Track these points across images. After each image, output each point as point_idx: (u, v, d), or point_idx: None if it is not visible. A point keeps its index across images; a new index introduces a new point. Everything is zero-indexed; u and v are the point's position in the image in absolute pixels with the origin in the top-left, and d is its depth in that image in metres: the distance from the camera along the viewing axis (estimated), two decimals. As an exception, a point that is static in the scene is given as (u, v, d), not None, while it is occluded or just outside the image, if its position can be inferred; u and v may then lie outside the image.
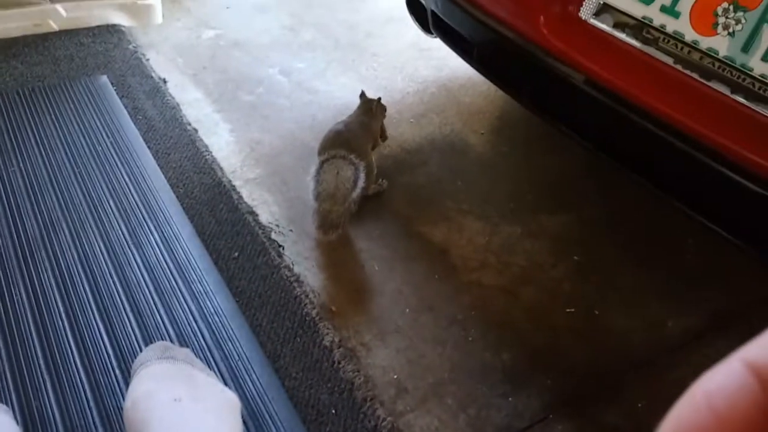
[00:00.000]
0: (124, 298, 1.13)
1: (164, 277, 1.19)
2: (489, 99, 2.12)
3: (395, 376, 1.17)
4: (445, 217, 1.57)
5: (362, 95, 1.64)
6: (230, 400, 0.94)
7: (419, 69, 2.22)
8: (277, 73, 2.04)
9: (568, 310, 1.36)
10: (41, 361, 1.02)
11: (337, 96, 1.99)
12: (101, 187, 1.36)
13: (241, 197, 1.48)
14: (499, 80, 1.34)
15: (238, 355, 1.07)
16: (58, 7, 1.89)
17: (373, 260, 1.42)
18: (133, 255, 1.22)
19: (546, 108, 1.22)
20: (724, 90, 0.92)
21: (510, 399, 1.17)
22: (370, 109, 1.60)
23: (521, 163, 1.83)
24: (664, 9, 0.97)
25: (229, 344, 1.08)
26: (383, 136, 1.72)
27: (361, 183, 1.37)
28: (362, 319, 1.27)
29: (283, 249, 1.39)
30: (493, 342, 1.27)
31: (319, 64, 2.14)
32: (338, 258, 1.41)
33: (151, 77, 1.74)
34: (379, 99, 1.63)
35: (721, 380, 0.16)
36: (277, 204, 1.54)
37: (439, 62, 2.26)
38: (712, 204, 1.00)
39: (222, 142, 1.68)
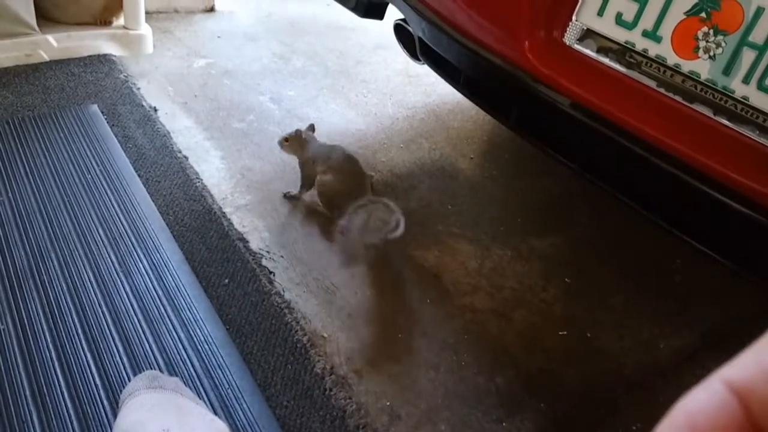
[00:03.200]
0: (112, 327, 1.12)
1: (153, 305, 1.17)
2: (477, 124, 2.14)
3: (388, 403, 1.16)
4: (436, 241, 1.57)
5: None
6: (220, 429, 0.93)
7: (408, 95, 2.25)
8: (268, 100, 2.05)
9: (560, 333, 1.36)
10: (27, 392, 1.00)
11: (328, 122, 2.00)
12: (91, 215, 1.35)
13: (231, 224, 1.47)
14: (486, 105, 1.36)
15: (228, 384, 1.06)
16: (50, 37, 1.90)
17: (365, 285, 1.42)
18: (122, 283, 1.21)
19: (533, 132, 1.24)
20: (707, 112, 0.94)
21: (504, 424, 1.16)
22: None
23: (510, 186, 1.84)
24: (645, 34, 0.99)
25: (219, 372, 1.07)
26: None
27: (399, 231, 1.39)
28: (354, 345, 1.26)
29: (274, 275, 1.38)
30: (486, 366, 1.27)
31: (309, 91, 2.16)
32: (330, 284, 1.40)
33: (142, 106, 1.75)
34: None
35: (702, 400, 0.16)
36: (267, 230, 1.53)
37: (427, 88, 2.30)
38: (697, 223, 1.01)
39: (213, 170, 1.69)
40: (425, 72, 2.06)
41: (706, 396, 0.16)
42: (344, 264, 1.40)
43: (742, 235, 0.95)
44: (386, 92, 2.25)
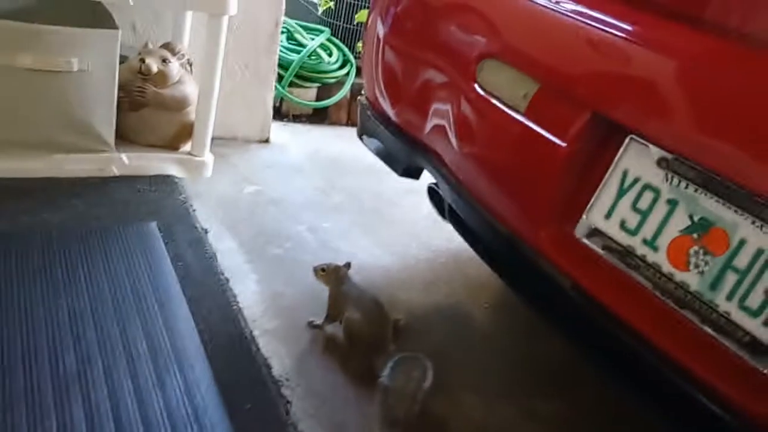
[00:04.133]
0: (143, 440, 1.22)
1: (182, 423, 1.28)
2: (494, 275, 2.29)
3: None
4: (444, 388, 1.66)
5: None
6: None
7: (432, 239, 2.43)
8: (306, 230, 2.25)
9: (555, 499, 1.42)
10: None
11: (357, 257, 2.17)
12: (137, 327, 1.50)
13: (258, 349, 1.60)
14: (499, 271, 1.52)
15: None
16: (123, 155, 2.15)
17: (374, 426, 1.50)
18: (156, 397, 1.32)
19: (541, 306, 1.38)
20: (695, 319, 1.07)
21: None
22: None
23: (521, 341, 1.95)
24: (645, 242, 1.15)
25: (233, 498, 1.15)
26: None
27: (429, 379, 1.49)
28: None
29: (291, 405, 1.48)
30: None
31: (343, 225, 2.35)
32: (340, 420, 1.49)
33: (195, 227, 1.95)
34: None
35: None
36: (289, 357, 1.65)
37: (450, 235, 2.45)
38: (683, 419, 1.11)
39: (248, 292, 1.84)
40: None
41: None
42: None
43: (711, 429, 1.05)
44: (413, 234, 2.43)
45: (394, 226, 2.46)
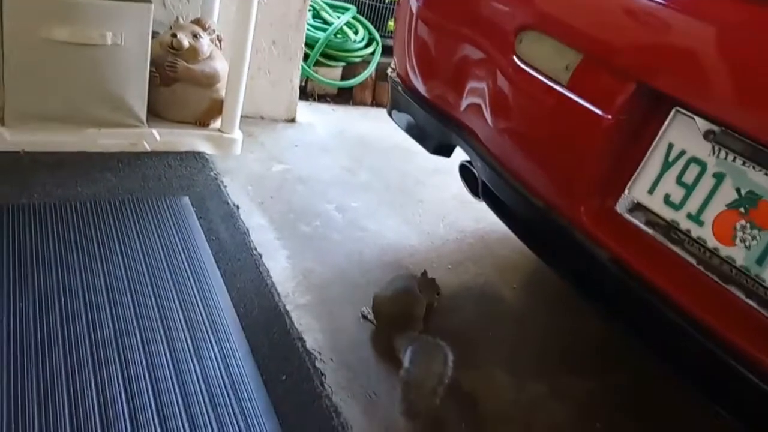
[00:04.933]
0: (182, 407, 1.24)
1: (219, 391, 1.30)
2: (524, 254, 2.27)
3: None
4: (475, 365, 1.67)
5: (424, 273, 1.80)
6: None
7: (460, 219, 2.42)
8: (334, 209, 2.25)
9: (587, 476, 1.41)
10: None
11: (385, 236, 2.17)
12: (173, 298, 1.51)
13: (292, 322, 1.61)
14: (538, 251, 1.50)
15: (278, 478, 1.15)
16: (154, 131, 2.16)
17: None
18: (194, 366, 1.34)
19: (580, 282, 1.37)
20: (740, 294, 1.05)
21: None
22: (427, 284, 1.77)
23: (551, 321, 1.94)
24: (690, 216, 1.13)
25: (272, 465, 1.17)
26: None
27: (449, 371, 1.46)
28: (392, 457, 1.34)
29: (325, 378, 1.49)
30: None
31: (371, 204, 2.35)
32: (372, 392, 1.50)
33: (227, 203, 1.96)
34: (434, 279, 1.81)
35: None
36: (321, 332, 1.66)
37: (478, 214, 2.46)
38: (726, 394, 1.10)
39: (279, 268, 1.85)
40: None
41: None
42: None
43: (761, 410, 1.04)
44: (440, 214, 2.42)
45: (421, 205, 2.45)
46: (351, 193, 2.38)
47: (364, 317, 1.72)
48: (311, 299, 1.77)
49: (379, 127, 3.03)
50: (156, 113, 2.22)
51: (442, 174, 2.71)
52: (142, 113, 2.14)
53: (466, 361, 1.67)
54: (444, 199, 2.54)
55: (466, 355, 1.69)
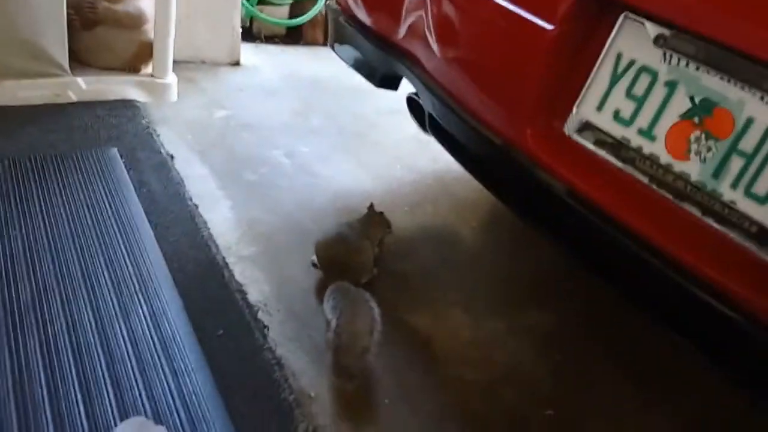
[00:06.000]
0: (105, 371, 1.14)
1: (148, 351, 1.20)
2: (482, 193, 2.19)
3: (368, 469, 1.16)
4: (431, 307, 1.59)
5: (370, 207, 1.69)
6: (199, 484, 0.94)
7: (417, 160, 2.31)
8: (282, 155, 2.12)
9: (547, 412, 1.36)
10: (14, 426, 1.02)
11: (338, 181, 2.06)
12: (98, 257, 1.40)
13: (232, 275, 1.51)
14: (487, 183, 1.41)
15: (212, 438, 1.07)
16: (79, 80, 1.99)
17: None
18: (120, 327, 1.24)
19: (530, 214, 1.28)
20: (695, 212, 0.97)
21: (482, 502, 1.16)
22: (375, 221, 1.66)
23: (509, 258, 1.87)
24: (641, 132, 1.04)
25: (204, 425, 1.08)
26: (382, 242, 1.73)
27: (378, 327, 1.35)
28: (339, 407, 1.27)
29: (268, 330, 1.40)
30: (469, 441, 1.27)
31: (323, 149, 2.23)
32: (322, 341, 1.42)
33: (160, 152, 1.82)
34: (382, 213, 1.69)
35: None
36: (268, 283, 1.57)
37: (435, 154, 2.36)
38: (679, 316, 1.03)
39: (221, 219, 1.73)
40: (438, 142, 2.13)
41: None
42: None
43: (722, 333, 0.97)
44: (396, 156, 2.32)
45: (376, 148, 2.33)
46: (301, 138, 2.25)
47: (315, 265, 1.63)
48: (256, 250, 1.67)
49: (331, 68, 2.87)
50: (80, 60, 2.05)
51: (398, 115, 2.57)
52: (64, 61, 1.97)
53: (423, 303, 1.60)
54: (400, 140, 2.42)
55: (422, 298, 1.62)
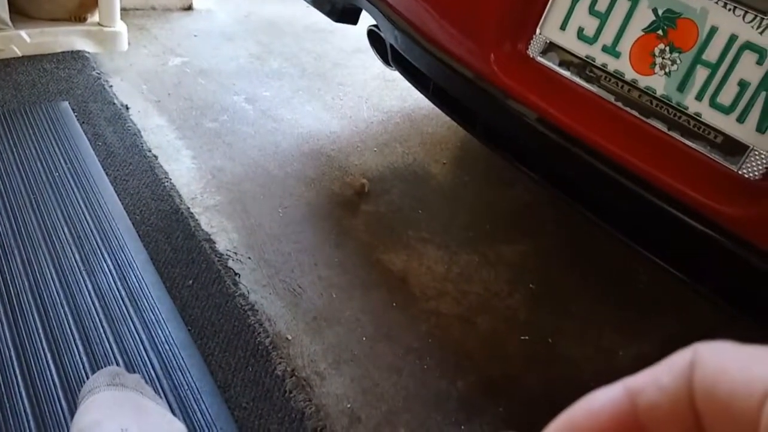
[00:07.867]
0: (73, 327, 1.12)
1: (116, 305, 1.17)
2: (451, 129, 2.16)
3: (348, 405, 1.17)
4: (405, 245, 1.59)
5: None
6: (179, 430, 0.93)
7: (384, 99, 2.26)
8: (243, 101, 2.06)
9: (522, 337, 1.38)
10: (-17, 391, 1.00)
11: (302, 124, 2.01)
12: (56, 213, 1.35)
13: (198, 224, 1.47)
14: (454, 114, 1.38)
15: (188, 385, 1.06)
16: (22, 33, 1.88)
17: (332, 288, 1.43)
18: (84, 282, 1.21)
19: (498, 142, 1.26)
20: (662, 127, 0.96)
21: (463, 427, 1.18)
22: None
23: (481, 193, 1.86)
24: (605, 49, 1.01)
25: (179, 374, 1.07)
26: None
27: None
28: (318, 347, 1.27)
29: (239, 277, 1.38)
30: (448, 371, 1.28)
31: (285, 92, 2.16)
32: (296, 286, 1.41)
33: (113, 104, 1.74)
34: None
35: (602, 396, 0.19)
36: (236, 231, 1.54)
37: (403, 93, 2.31)
38: (650, 236, 1.04)
39: (183, 169, 1.68)
40: (402, 77, 2.08)
41: (607, 393, 0.19)
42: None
43: (690, 247, 0.98)
44: (362, 96, 2.26)
45: (341, 89, 2.27)
46: (261, 83, 2.18)
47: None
48: (222, 199, 1.63)
49: (289, 8, 2.76)
50: (22, 12, 1.93)
51: (362, 54, 2.51)
52: (4, 13, 1.85)
53: (395, 242, 1.59)
54: (366, 80, 2.36)
55: (396, 237, 1.61)
